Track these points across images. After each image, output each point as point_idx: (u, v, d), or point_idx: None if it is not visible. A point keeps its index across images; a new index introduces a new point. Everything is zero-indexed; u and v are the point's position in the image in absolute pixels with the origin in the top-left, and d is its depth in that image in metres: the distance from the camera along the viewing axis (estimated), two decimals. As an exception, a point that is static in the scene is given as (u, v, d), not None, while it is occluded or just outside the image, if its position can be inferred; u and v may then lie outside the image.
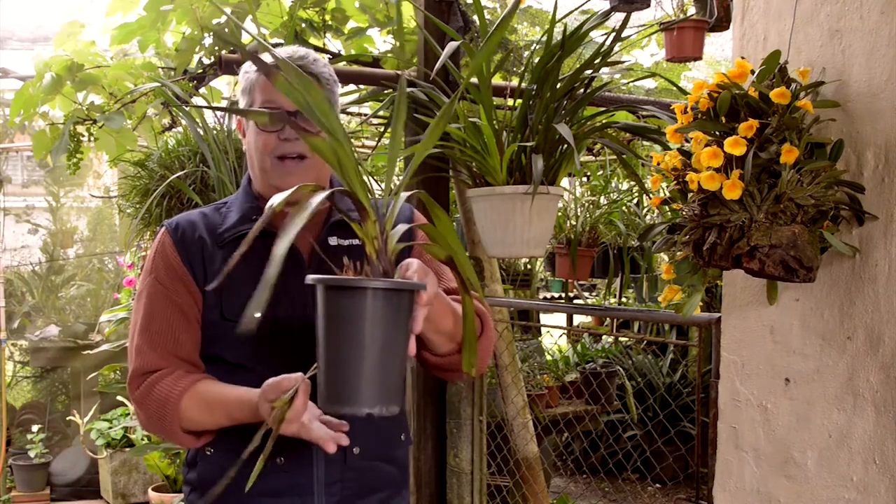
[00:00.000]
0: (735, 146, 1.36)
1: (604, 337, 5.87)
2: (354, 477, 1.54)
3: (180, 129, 3.22)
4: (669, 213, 1.67)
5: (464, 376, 1.61)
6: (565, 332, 5.90)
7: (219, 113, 2.98)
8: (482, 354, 1.58)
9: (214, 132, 2.76)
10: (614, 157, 3.53)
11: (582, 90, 2.35)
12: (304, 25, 3.15)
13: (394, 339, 1.21)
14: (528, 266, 5.58)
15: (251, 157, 1.58)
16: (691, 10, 2.72)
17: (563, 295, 6.13)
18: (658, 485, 5.32)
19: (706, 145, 1.41)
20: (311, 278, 1.23)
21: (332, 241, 1.55)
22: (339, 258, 1.34)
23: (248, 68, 1.54)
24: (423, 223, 1.36)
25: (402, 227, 1.28)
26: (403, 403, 1.67)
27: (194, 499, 1.59)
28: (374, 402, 1.20)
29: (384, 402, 1.21)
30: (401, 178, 1.35)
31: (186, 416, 1.49)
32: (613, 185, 4.30)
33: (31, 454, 5.10)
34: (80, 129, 2.97)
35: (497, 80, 3.05)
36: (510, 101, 2.37)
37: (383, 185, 1.29)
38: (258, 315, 1.49)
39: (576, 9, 2.44)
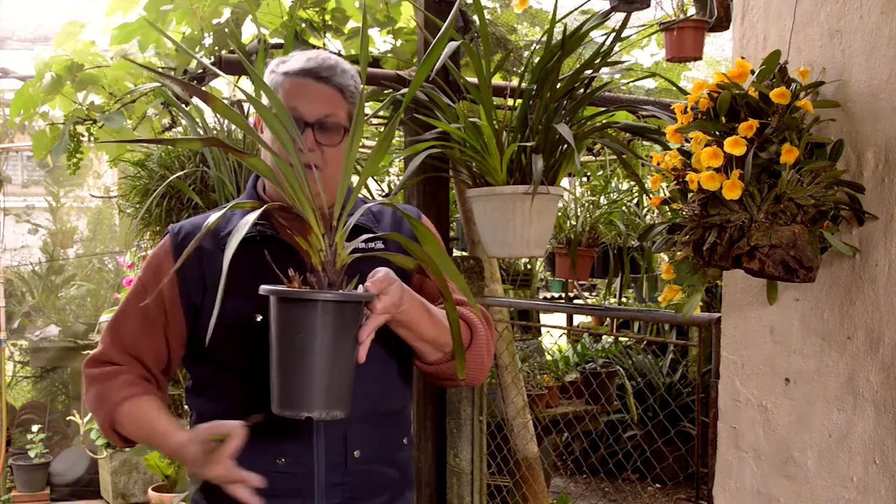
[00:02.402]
0: (735, 146, 1.36)
1: (604, 337, 5.87)
2: (355, 480, 1.54)
3: (180, 129, 3.22)
4: (669, 213, 1.67)
5: (460, 384, 1.62)
6: (565, 332, 5.89)
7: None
8: (472, 364, 1.57)
9: (214, 132, 2.76)
10: (614, 157, 3.54)
11: (582, 90, 2.35)
12: (304, 25, 3.14)
13: (337, 348, 1.27)
14: (528, 266, 5.58)
15: (265, 159, 1.57)
16: (691, 10, 2.72)
17: (563, 295, 6.13)
18: (658, 485, 5.32)
19: (706, 145, 1.41)
20: (263, 289, 1.29)
21: None
22: (357, 259, 1.36)
23: (275, 67, 1.54)
24: (392, 233, 1.39)
25: (362, 237, 1.33)
26: (407, 403, 1.68)
27: (198, 497, 1.59)
28: (314, 407, 1.26)
29: (326, 407, 1.27)
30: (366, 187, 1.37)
31: (119, 421, 1.53)
32: (613, 185, 4.30)
33: (31, 454, 5.09)
34: (80, 129, 2.97)
35: (497, 80, 3.05)
36: (510, 101, 2.37)
37: (383, 186, 1.31)
38: (260, 318, 1.50)
39: (576, 9, 2.44)
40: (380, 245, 1.57)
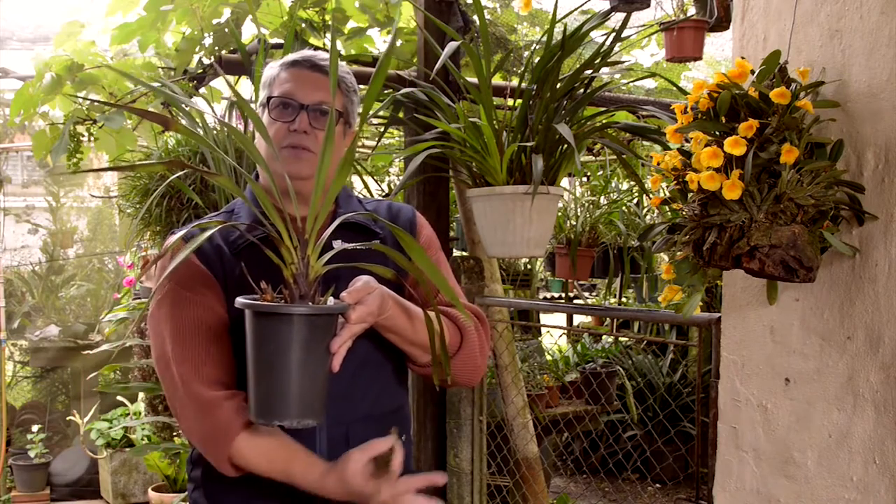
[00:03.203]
0: (735, 146, 1.36)
1: (604, 337, 5.87)
2: None
3: (180, 129, 3.20)
4: (669, 213, 1.67)
5: (457, 385, 1.63)
6: (565, 332, 5.89)
7: (219, 113, 2.98)
8: (463, 367, 1.58)
9: (214, 132, 2.76)
10: (614, 157, 3.53)
11: (582, 90, 2.35)
12: (304, 25, 3.14)
13: (309, 359, 1.28)
14: (528, 266, 5.58)
15: (261, 149, 1.59)
16: (691, 10, 2.71)
17: (563, 295, 6.13)
18: (658, 485, 5.32)
19: (706, 145, 1.41)
20: (238, 302, 1.30)
21: (337, 244, 1.54)
22: (344, 261, 1.36)
23: (273, 64, 1.59)
24: (375, 242, 1.39)
25: (340, 246, 1.35)
26: (405, 402, 1.69)
27: (198, 497, 1.59)
28: (286, 416, 1.28)
29: (298, 416, 1.29)
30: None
31: (240, 453, 1.44)
32: (613, 185, 4.30)
33: (31, 454, 5.09)
34: (80, 129, 2.96)
35: (497, 80, 3.05)
36: (510, 101, 2.37)
37: (383, 186, 1.31)
38: None
39: (576, 9, 2.44)
40: (376, 242, 1.58)
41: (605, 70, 2.41)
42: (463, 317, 1.56)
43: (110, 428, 4.81)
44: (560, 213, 3.78)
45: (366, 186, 2.89)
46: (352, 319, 1.34)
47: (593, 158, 4.65)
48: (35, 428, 5.19)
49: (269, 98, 1.55)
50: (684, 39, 2.69)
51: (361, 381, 1.54)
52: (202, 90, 3.12)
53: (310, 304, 1.30)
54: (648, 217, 4.23)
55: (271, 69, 1.58)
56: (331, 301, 1.34)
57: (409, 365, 1.61)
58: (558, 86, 2.27)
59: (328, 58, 1.57)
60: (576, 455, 5.26)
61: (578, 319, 6.84)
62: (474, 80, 2.35)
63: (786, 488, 1.62)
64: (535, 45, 2.57)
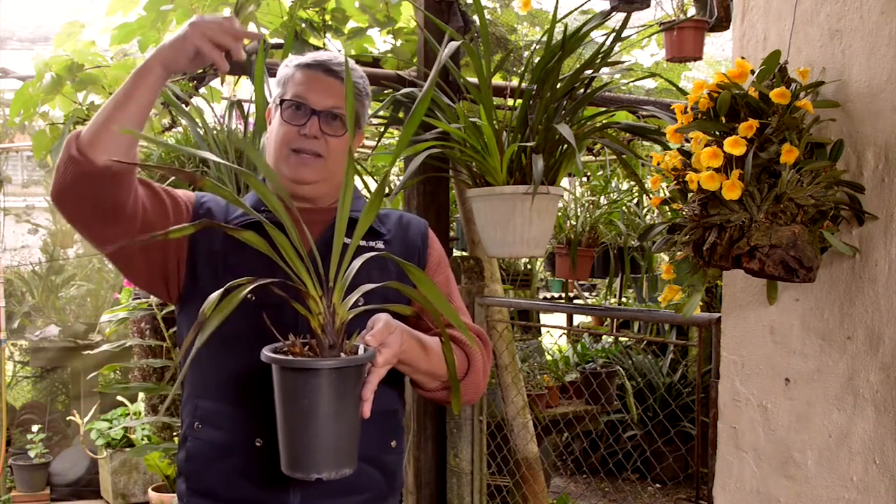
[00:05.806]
0: (735, 146, 1.36)
1: (604, 337, 5.87)
2: None
3: (180, 129, 3.21)
4: (669, 213, 1.67)
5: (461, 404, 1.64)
6: (565, 332, 5.89)
7: (219, 113, 2.98)
8: (466, 390, 1.61)
9: (214, 132, 2.76)
10: (614, 157, 3.53)
11: (582, 90, 2.35)
12: (304, 25, 3.14)
13: (342, 409, 1.27)
14: (528, 266, 5.58)
15: (269, 147, 1.61)
16: (691, 10, 2.72)
17: (563, 295, 6.13)
18: (658, 485, 5.32)
19: (706, 145, 1.41)
20: (264, 357, 1.27)
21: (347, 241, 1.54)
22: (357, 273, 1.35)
23: (288, 62, 1.60)
24: (392, 281, 1.37)
25: (363, 288, 1.31)
26: (398, 408, 1.69)
27: (183, 488, 1.58)
28: (323, 469, 1.27)
29: (335, 467, 1.28)
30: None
31: (86, 139, 1.44)
32: (613, 185, 4.30)
33: (31, 454, 5.09)
34: (80, 128, 2.96)
35: (497, 80, 3.05)
36: (510, 101, 2.37)
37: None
38: (253, 298, 1.50)
39: (576, 9, 2.44)
40: (380, 245, 1.59)
41: (605, 70, 2.41)
42: (469, 342, 1.57)
43: (110, 428, 4.80)
44: (560, 213, 3.77)
45: (366, 186, 2.89)
46: (379, 363, 1.33)
47: (593, 158, 4.65)
48: (35, 428, 5.19)
49: (281, 100, 1.56)
50: (684, 39, 2.69)
51: None
52: (202, 90, 3.12)
53: (341, 354, 1.28)
54: (648, 217, 4.23)
55: (286, 68, 1.60)
56: (361, 349, 1.32)
57: (415, 389, 1.62)
58: (558, 86, 2.27)
59: (343, 61, 1.57)
60: (576, 455, 5.26)
61: (578, 319, 6.84)
62: (474, 80, 2.35)
63: (786, 488, 1.62)
64: (535, 45, 2.57)
